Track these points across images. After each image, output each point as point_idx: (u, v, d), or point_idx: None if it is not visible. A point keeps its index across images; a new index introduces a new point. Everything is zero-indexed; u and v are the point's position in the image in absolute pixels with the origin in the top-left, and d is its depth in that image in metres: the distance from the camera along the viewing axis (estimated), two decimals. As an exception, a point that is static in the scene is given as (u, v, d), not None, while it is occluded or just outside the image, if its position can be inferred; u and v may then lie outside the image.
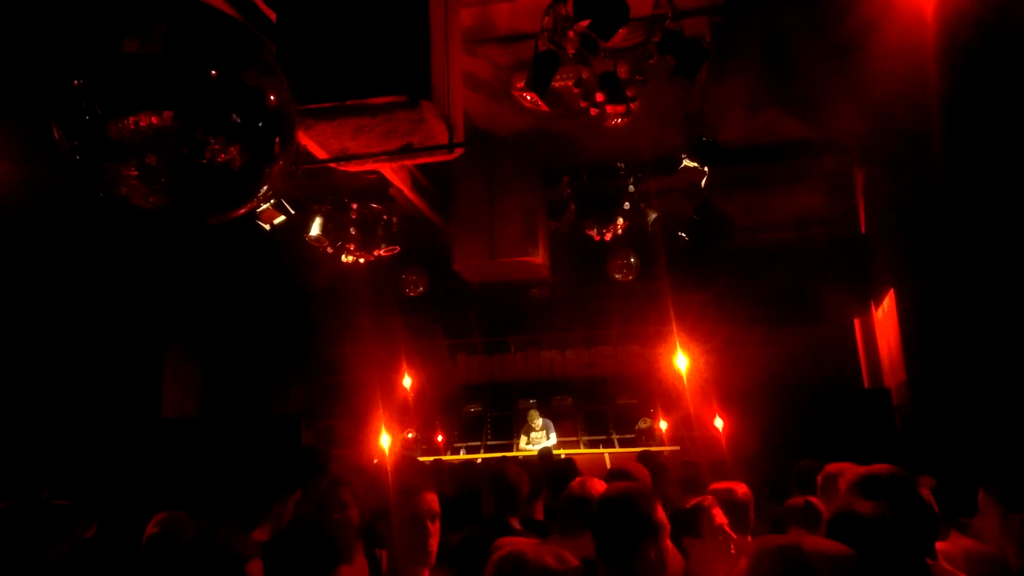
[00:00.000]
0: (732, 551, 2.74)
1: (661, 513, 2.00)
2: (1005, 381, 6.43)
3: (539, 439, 9.93)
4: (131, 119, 2.06)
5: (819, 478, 3.13)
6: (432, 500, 2.16)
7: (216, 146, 2.04)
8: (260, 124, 2.15)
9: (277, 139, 2.27)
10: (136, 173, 2.15)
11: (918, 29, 4.61)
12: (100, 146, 2.12)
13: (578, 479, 2.78)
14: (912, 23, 4.52)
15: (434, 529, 2.11)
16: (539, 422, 10.08)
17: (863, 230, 8.90)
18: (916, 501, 2.32)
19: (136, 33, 2.09)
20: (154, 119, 2.05)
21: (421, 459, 8.21)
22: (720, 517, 2.79)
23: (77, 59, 2.09)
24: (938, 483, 3.50)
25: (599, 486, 2.66)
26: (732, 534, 2.78)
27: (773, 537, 1.85)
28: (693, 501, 2.86)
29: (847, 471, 2.81)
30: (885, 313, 8.46)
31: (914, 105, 5.84)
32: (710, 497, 2.91)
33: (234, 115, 2.05)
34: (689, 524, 2.72)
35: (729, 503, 3.01)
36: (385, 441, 8.22)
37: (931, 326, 7.16)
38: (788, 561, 1.44)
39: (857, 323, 9.64)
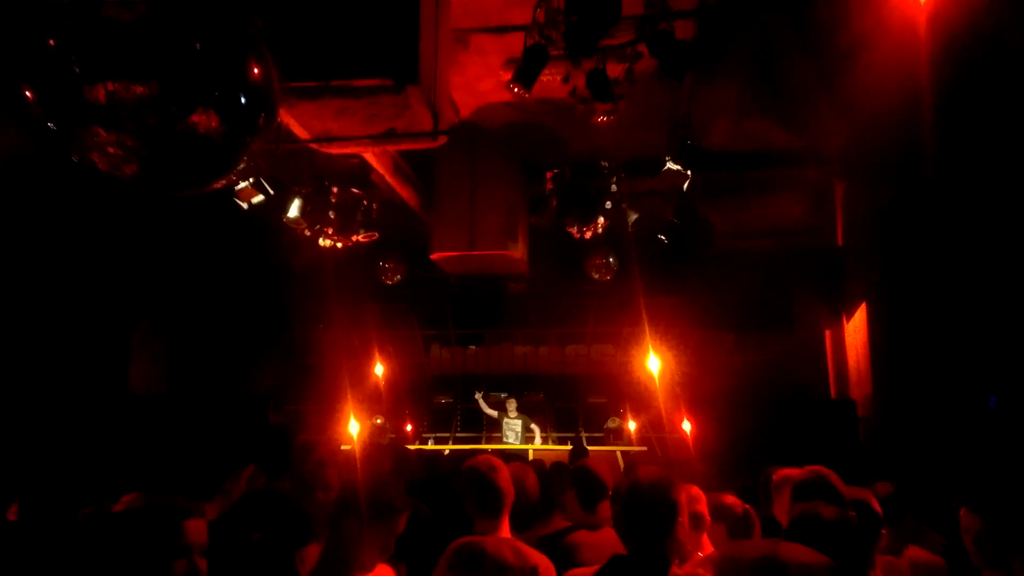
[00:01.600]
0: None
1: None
2: (967, 399, 6.59)
3: (515, 426, 9.94)
4: (109, 85, 2.01)
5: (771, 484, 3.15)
6: (399, 492, 2.14)
7: (195, 117, 2.00)
8: (242, 98, 2.11)
9: (260, 114, 2.23)
10: (112, 140, 2.09)
11: (908, 47, 4.66)
12: (75, 112, 2.06)
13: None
14: (902, 40, 4.56)
15: (399, 521, 2.09)
16: (515, 413, 10.11)
17: (840, 242, 9.03)
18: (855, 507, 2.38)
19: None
20: (133, 86, 2.00)
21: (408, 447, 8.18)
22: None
23: (53, 18, 2.03)
24: (895, 492, 3.55)
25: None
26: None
27: (745, 546, 1.85)
28: None
29: (794, 477, 2.86)
30: (856, 326, 8.59)
31: (897, 122, 5.93)
32: None
33: (215, 87, 2.00)
34: None
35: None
36: (354, 427, 8.19)
37: (900, 341, 7.29)
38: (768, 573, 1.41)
39: (828, 334, 9.78)
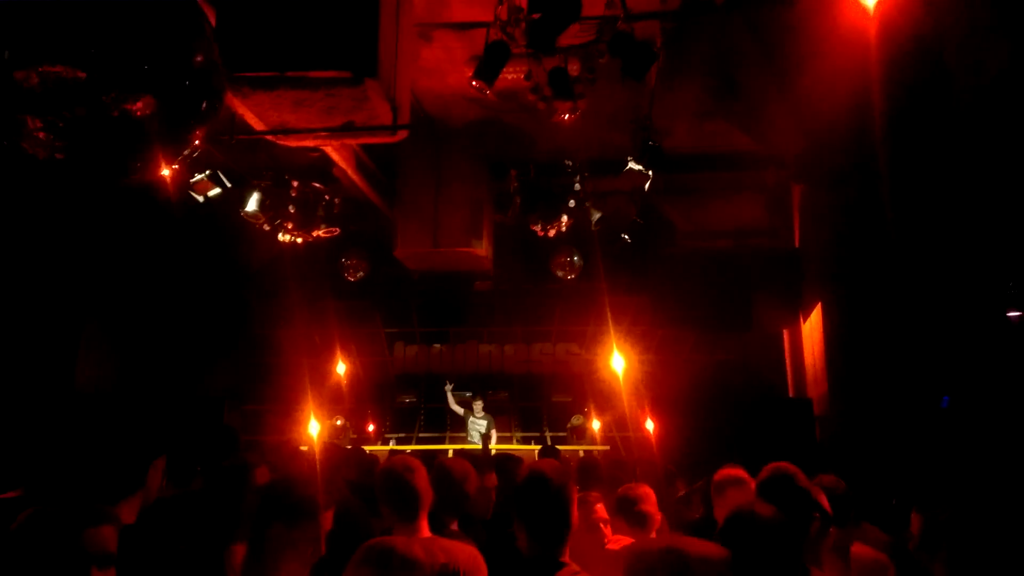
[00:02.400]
0: (608, 546, 2.88)
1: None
2: (920, 398, 6.77)
3: (479, 427, 9.91)
4: (41, 68, 1.94)
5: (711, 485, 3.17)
6: (318, 492, 2.10)
7: (131, 102, 1.94)
8: (181, 84, 2.05)
9: (201, 100, 2.17)
10: (46, 127, 2.03)
11: (858, 55, 4.77)
12: (8, 96, 1.99)
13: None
14: (853, 49, 4.66)
15: (322, 521, 2.05)
16: (481, 412, 10.07)
17: (796, 243, 9.19)
18: (802, 500, 2.42)
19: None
20: (66, 71, 1.94)
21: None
22: (602, 512, 2.89)
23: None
24: (848, 489, 3.61)
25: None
26: (606, 530, 2.92)
27: (652, 540, 1.88)
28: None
29: (733, 478, 2.91)
30: (812, 326, 8.76)
31: (850, 127, 6.06)
32: (595, 493, 3.02)
33: (151, 71, 1.94)
34: None
35: (626, 501, 3.09)
36: (314, 428, 8.07)
37: (854, 341, 7.46)
38: (671, 564, 1.46)
39: (786, 334, 9.95)
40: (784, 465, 2.67)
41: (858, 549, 2.92)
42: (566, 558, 1.99)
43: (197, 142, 2.22)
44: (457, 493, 2.76)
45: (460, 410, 10.29)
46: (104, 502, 1.93)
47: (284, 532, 1.85)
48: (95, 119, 1.92)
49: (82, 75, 1.87)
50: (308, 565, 1.93)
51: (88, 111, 1.90)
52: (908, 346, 6.75)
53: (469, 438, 9.84)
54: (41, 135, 1.98)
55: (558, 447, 9.20)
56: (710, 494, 3.76)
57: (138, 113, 1.95)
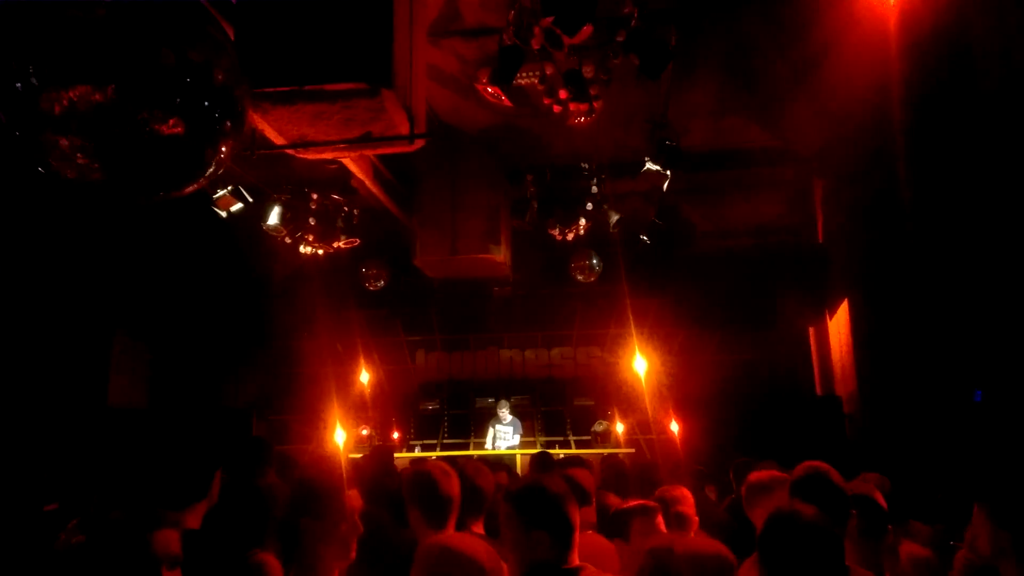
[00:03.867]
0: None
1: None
2: (952, 393, 6.63)
3: (505, 433, 9.87)
4: (69, 92, 1.97)
5: (743, 489, 3.05)
6: (352, 497, 2.11)
7: (158, 123, 1.96)
8: (206, 103, 2.07)
9: (225, 120, 2.19)
10: (75, 148, 2.06)
11: (879, 45, 4.71)
12: (37, 119, 2.02)
13: None
14: (873, 39, 4.61)
15: (353, 526, 2.06)
16: (508, 416, 10.01)
17: (820, 239, 9.08)
18: (839, 499, 2.36)
19: (79, 3, 2.00)
20: (93, 93, 1.97)
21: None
22: (661, 527, 2.74)
23: (12, 25, 1.98)
24: (892, 490, 3.54)
25: None
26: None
27: (654, 538, 1.85)
28: (633, 503, 2.82)
29: (772, 480, 2.83)
30: (839, 322, 8.65)
31: (872, 119, 5.98)
32: (655, 504, 2.85)
33: (177, 92, 1.97)
34: (620, 527, 2.70)
35: (663, 503, 2.99)
36: (340, 436, 8.12)
37: (883, 337, 7.34)
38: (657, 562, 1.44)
39: (811, 331, 9.83)
40: (817, 464, 2.61)
41: (908, 547, 2.86)
42: (575, 562, 1.95)
43: (224, 159, 2.24)
44: (477, 493, 2.73)
45: (507, 417, 10.02)
46: (172, 509, 2.00)
47: (313, 526, 1.87)
48: (125, 140, 1.95)
49: (111, 96, 1.89)
50: (341, 562, 1.95)
51: (118, 132, 1.93)
52: (938, 340, 6.62)
53: (487, 444, 9.78)
54: (71, 156, 2.02)
55: (579, 451, 9.14)
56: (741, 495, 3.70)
57: (167, 133, 1.97)
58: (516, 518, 1.90)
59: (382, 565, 2.25)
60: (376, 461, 3.96)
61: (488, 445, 9.74)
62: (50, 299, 7.58)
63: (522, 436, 10.19)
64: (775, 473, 2.93)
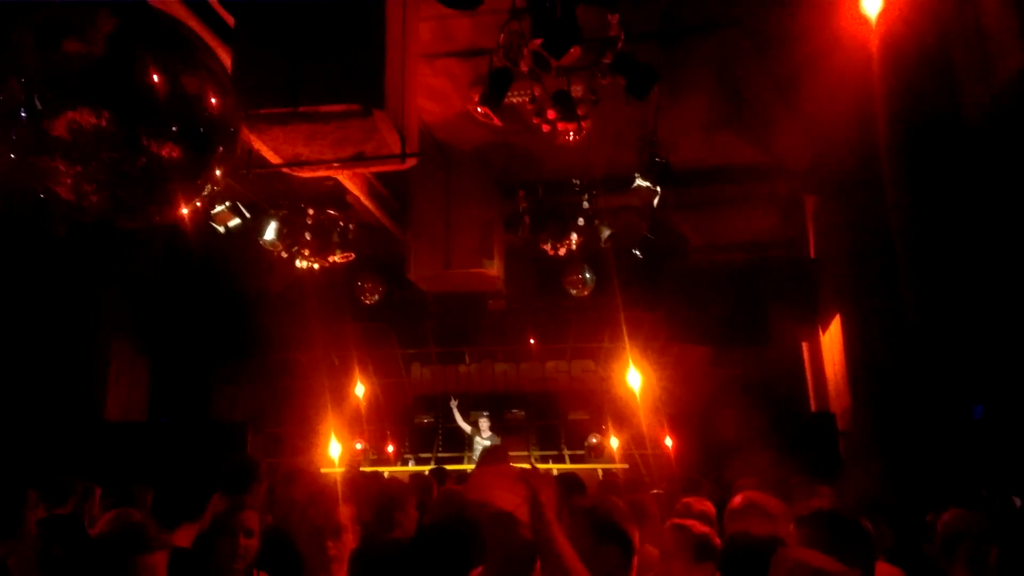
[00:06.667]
0: None
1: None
2: (948, 409, 6.64)
3: (485, 444, 9.98)
4: (66, 118, 2.06)
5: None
6: (340, 514, 2.16)
7: (153, 149, 2.05)
8: (200, 129, 2.16)
9: (218, 144, 2.28)
10: (71, 172, 2.14)
11: (862, 63, 4.80)
12: (34, 144, 2.11)
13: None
14: (855, 57, 4.70)
15: (338, 543, 2.12)
16: (487, 431, 10.14)
17: (812, 254, 9.15)
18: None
19: (78, 33, 2.09)
20: (90, 120, 2.05)
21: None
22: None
23: (14, 54, 2.07)
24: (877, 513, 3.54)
25: None
26: None
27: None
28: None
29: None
30: (831, 338, 8.68)
31: (859, 136, 6.07)
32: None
33: (172, 118, 2.05)
34: None
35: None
36: (335, 449, 8.15)
37: (876, 351, 7.33)
38: None
39: (805, 346, 9.88)
40: (825, 504, 2.59)
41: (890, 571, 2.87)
42: None
43: (217, 181, 2.33)
44: None
45: (468, 428, 10.36)
46: (166, 527, 2.06)
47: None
48: (121, 166, 2.03)
49: (108, 125, 1.98)
50: None
51: (114, 158, 2.01)
52: (934, 354, 6.64)
53: (474, 457, 9.88)
54: (72, 180, 2.10)
55: (573, 466, 9.12)
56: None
57: (164, 157, 2.06)
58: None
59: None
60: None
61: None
62: (48, 308, 7.64)
63: (515, 450, 10.24)
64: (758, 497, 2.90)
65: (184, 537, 2.56)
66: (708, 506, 3.20)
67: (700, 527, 2.56)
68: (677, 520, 2.67)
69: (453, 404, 10.64)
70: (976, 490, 4.95)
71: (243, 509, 2.38)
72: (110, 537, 1.73)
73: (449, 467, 9.91)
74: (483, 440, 9.96)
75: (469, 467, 9.60)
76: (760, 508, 2.77)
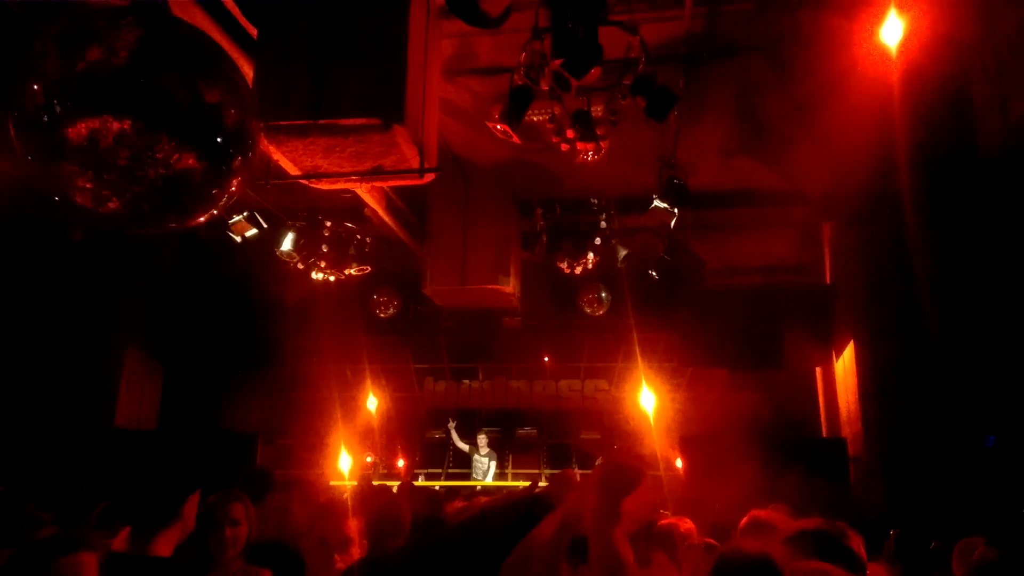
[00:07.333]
0: None
1: None
2: (960, 437, 6.56)
3: (481, 463, 10.02)
4: (87, 126, 2.08)
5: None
6: (346, 527, 2.15)
7: (172, 158, 2.07)
8: (219, 140, 2.18)
9: (237, 155, 2.30)
10: (90, 178, 2.16)
11: (880, 91, 4.79)
12: (54, 150, 2.14)
13: None
14: (874, 85, 4.69)
15: (345, 557, 2.10)
16: (485, 448, 10.17)
17: (828, 280, 9.08)
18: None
19: (101, 42, 2.12)
20: (110, 128, 2.08)
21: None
22: None
23: (37, 62, 2.11)
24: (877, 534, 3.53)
25: None
26: None
27: None
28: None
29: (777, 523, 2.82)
30: (845, 363, 8.60)
31: (877, 163, 6.04)
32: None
33: (192, 129, 2.07)
34: None
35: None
36: (345, 462, 8.13)
37: (890, 378, 7.29)
38: None
39: (819, 372, 9.77)
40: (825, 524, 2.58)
41: None
42: None
43: (234, 192, 2.35)
44: None
45: (465, 447, 10.38)
46: (140, 533, 2.04)
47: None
48: (140, 175, 2.05)
49: (128, 134, 2.00)
50: None
51: (133, 167, 2.03)
52: (947, 383, 6.57)
53: (474, 475, 9.88)
54: (91, 187, 2.12)
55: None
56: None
57: (177, 169, 2.08)
58: None
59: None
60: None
61: (478, 477, 9.86)
62: (62, 313, 7.72)
63: (526, 468, 10.21)
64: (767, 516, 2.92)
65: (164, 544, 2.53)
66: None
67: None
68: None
69: (451, 426, 10.66)
70: (990, 518, 4.85)
71: (229, 503, 2.44)
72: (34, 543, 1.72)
73: (457, 483, 9.93)
74: (481, 457, 9.98)
75: (480, 483, 9.57)
76: (767, 525, 2.80)
